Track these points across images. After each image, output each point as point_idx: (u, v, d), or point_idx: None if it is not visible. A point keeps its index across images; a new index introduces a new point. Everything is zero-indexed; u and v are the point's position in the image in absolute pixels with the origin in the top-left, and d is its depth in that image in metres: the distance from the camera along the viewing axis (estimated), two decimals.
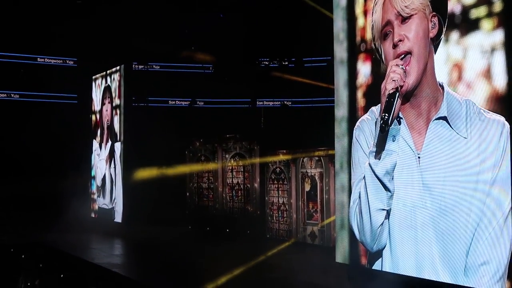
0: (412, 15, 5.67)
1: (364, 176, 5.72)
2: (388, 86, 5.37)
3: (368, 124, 6.23)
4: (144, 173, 14.22)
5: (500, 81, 5.35)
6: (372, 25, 6.28)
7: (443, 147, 5.65)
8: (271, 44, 17.59)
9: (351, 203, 6.13)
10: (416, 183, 5.84)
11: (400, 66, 5.44)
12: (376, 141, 5.53)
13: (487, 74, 5.45)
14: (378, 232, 5.81)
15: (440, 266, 5.76)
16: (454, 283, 5.62)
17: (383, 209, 5.69)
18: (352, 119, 7.18)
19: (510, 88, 5.28)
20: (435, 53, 5.80)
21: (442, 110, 5.63)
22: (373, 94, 6.78)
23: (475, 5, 5.60)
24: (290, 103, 18.38)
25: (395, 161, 5.54)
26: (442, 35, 5.78)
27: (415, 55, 5.61)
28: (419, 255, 5.92)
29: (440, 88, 5.72)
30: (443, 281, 5.74)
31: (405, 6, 5.68)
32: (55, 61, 17.89)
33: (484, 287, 5.38)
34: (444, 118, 5.61)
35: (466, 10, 5.69)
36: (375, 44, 6.28)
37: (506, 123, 5.29)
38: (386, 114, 5.18)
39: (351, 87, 7.34)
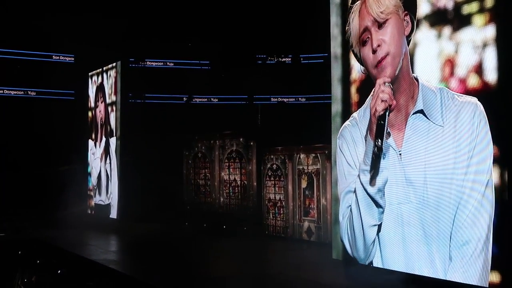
0: (387, 19, 5.91)
1: (355, 192, 5.80)
2: (378, 108, 5.50)
3: (349, 130, 6.38)
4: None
5: (491, 76, 5.37)
6: (350, 32, 6.47)
7: (421, 140, 5.82)
8: (268, 41, 17.58)
9: (341, 218, 6.24)
10: (400, 179, 5.93)
11: (387, 84, 5.57)
12: (366, 160, 5.63)
13: (479, 69, 5.48)
14: (371, 247, 5.91)
15: (428, 258, 5.84)
16: (442, 270, 5.71)
17: (375, 225, 5.79)
18: (346, 114, 7.21)
19: (501, 82, 5.31)
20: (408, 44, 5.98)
21: (418, 103, 5.78)
22: (366, 89, 6.81)
23: (467, 1, 5.64)
24: (287, 99, 18.37)
25: (386, 177, 5.67)
26: (414, 31, 5.97)
27: (391, 54, 5.82)
28: (407, 251, 5.99)
29: (416, 82, 5.84)
30: (431, 271, 5.81)
31: (381, 12, 5.91)
32: (53, 57, 17.86)
33: (468, 265, 5.47)
34: (421, 111, 5.77)
35: (458, 5, 5.72)
36: (353, 50, 6.48)
37: (479, 103, 5.42)
38: (379, 140, 5.29)
39: (345, 82, 7.37)
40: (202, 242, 12.33)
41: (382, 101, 5.50)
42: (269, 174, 13.15)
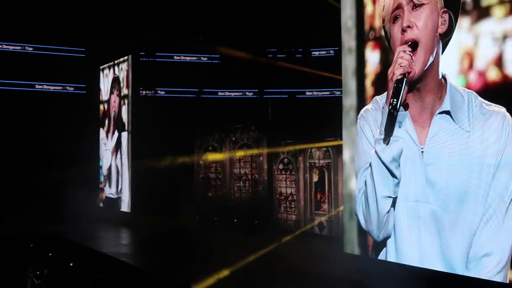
0: (423, 4, 5.48)
1: (370, 164, 5.66)
2: (396, 72, 5.27)
3: (372, 113, 6.15)
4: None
5: None
6: (383, 6, 6.15)
7: (447, 141, 5.56)
8: (278, 34, 17.51)
9: (356, 192, 6.06)
10: (419, 177, 5.75)
11: (408, 52, 5.35)
12: (382, 128, 5.46)
13: (499, 61, 5.40)
14: (385, 219, 5.76)
15: (442, 261, 5.72)
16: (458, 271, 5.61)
17: (390, 196, 5.63)
18: (361, 108, 7.11)
19: None
20: (443, 52, 5.65)
21: (445, 103, 5.52)
22: (382, 83, 6.73)
23: None
24: (297, 93, 18.29)
25: (401, 147, 5.46)
26: (452, 34, 5.61)
27: (422, 46, 5.47)
28: (422, 249, 5.87)
29: (443, 81, 5.63)
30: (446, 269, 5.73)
31: None
32: (63, 51, 17.86)
33: (485, 277, 5.36)
34: (448, 112, 5.50)
35: None
36: (384, 27, 6.13)
37: (507, 114, 5.24)
38: (395, 100, 5.10)
39: (360, 76, 7.29)
40: (212, 236, 12.33)
41: (400, 66, 5.27)
42: (280, 168, 13.13)
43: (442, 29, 5.56)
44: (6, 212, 13.80)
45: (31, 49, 17.43)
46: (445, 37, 5.61)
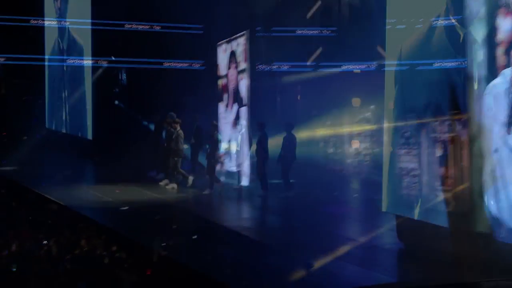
0: None
1: (498, 149, 5.38)
2: None
3: (500, 88, 5.82)
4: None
5: None
6: None
7: None
8: (395, 4, 16.93)
9: (485, 176, 5.80)
10: None
11: None
12: (510, 111, 5.15)
13: None
14: None
15: None
16: None
17: None
18: (491, 79, 6.75)
19: None
20: None
21: None
22: None
23: None
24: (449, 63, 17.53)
25: None
26: None
27: None
28: None
29: None
30: None
31: None
32: (182, 29, 18.27)
33: None
34: None
35: None
36: None
37: None
38: None
39: (490, 44, 6.89)
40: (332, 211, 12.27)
41: None
42: (401, 142, 12.77)
43: None
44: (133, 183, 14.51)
45: (159, 27, 17.90)
46: None
